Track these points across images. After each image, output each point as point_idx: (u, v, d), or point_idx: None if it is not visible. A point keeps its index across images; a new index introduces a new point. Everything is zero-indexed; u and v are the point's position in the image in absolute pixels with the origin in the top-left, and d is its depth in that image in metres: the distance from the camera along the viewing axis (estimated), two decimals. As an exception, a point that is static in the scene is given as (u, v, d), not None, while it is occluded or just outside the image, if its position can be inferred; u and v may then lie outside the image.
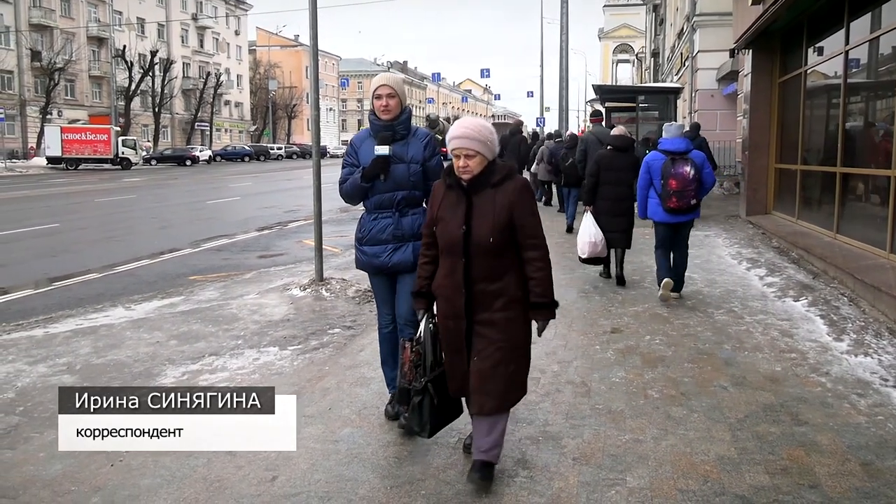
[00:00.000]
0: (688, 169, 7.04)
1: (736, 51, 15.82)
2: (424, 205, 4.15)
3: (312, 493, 3.44)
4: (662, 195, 7.13)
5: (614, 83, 59.70)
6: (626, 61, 74.55)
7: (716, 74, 21.74)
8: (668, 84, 25.26)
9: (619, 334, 6.15)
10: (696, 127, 15.51)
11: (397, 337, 4.20)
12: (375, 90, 4.07)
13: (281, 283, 8.44)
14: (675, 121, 13.71)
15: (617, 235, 8.08)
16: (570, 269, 9.14)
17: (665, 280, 7.30)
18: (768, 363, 5.32)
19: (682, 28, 26.20)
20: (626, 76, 72.65)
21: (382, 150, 4.03)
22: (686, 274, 7.67)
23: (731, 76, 19.99)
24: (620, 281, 8.19)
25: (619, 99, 20.26)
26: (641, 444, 3.93)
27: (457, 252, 3.34)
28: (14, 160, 46.45)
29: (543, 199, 16.94)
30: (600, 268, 8.66)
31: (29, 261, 10.88)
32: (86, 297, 8.24)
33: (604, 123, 13.56)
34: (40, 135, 48.25)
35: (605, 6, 78.66)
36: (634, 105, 17.94)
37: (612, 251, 8.36)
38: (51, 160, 44.96)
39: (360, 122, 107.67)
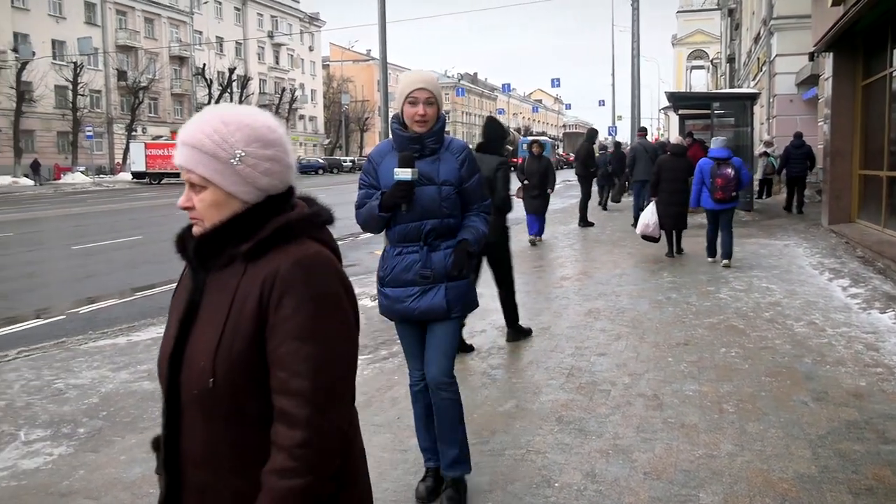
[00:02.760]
0: (729, 171, 9.45)
1: (816, 54, 15.32)
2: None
3: (380, 502, 3.46)
4: (711, 189, 9.53)
5: (688, 90, 58.56)
6: (701, 67, 72.99)
7: (795, 79, 21.07)
8: (744, 90, 24.63)
9: (693, 346, 6.01)
10: (799, 135, 17.09)
11: (429, 396, 3.47)
12: (410, 93, 3.16)
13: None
14: (752, 127, 16.01)
15: (672, 221, 10.40)
16: (642, 279, 8.99)
17: (724, 261, 9.63)
18: (852, 378, 5.10)
19: (759, 32, 25.52)
20: (700, 83, 71.12)
21: (404, 174, 3.13)
22: (765, 285, 8.15)
23: (811, 80, 19.36)
24: (678, 251, 10.68)
25: (693, 106, 19.84)
26: (716, 459, 3.82)
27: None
28: (102, 175, 48.63)
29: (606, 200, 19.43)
30: (673, 277, 8.55)
31: (115, 271, 11.34)
32: (166, 306, 8.48)
33: (655, 138, 14.24)
34: (126, 151, 50.26)
35: (678, 12, 77.29)
36: (709, 112, 17.56)
37: (671, 233, 10.57)
38: (135, 175, 46.77)
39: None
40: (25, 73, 42.81)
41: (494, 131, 6.10)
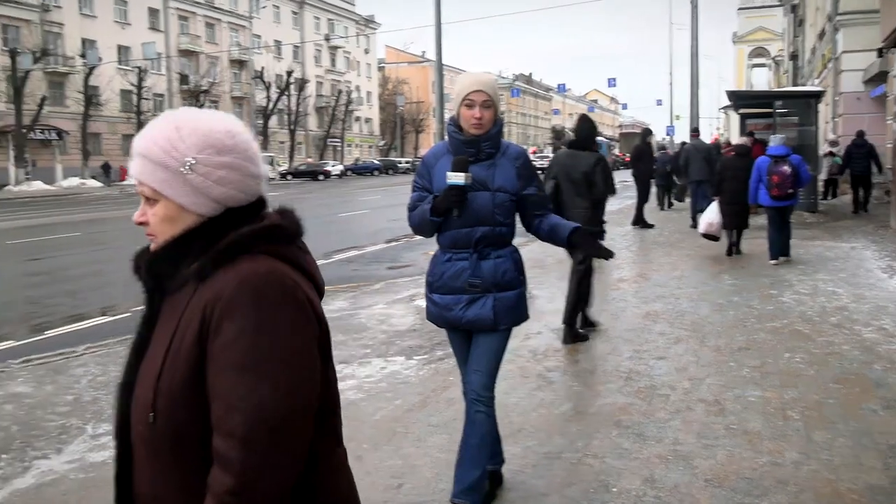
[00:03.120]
0: (786, 168, 9.48)
1: (884, 50, 14.81)
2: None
3: (436, 502, 3.46)
4: (768, 186, 9.59)
5: (749, 88, 57.30)
6: (762, 65, 71.28)
7: (862, 76, 20.38)
8: (808, 88, 23.95)
9: (756, 351, 5.85)
10: (861, 133, 16.98)
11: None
12: (467, 95, 3.10)
13: (408, 294, 8.60)
14: (817, 126, 15.91)
15: (735, 220, 10.46)
16: (702, 282, 8.82)
17: (782, 258, 9.84)
18: (925, 386, 4.91)
19: (824, 28, 24.80)
20: (761, 81, 69.48)
21: (457, 178, 3.05)
22: (831, 289, 8.04)
23: (879, 77, 18.69)
24: (736, 251, 10.64)
25: (754, 105, 19.39)
26: (780, 467, 3.71)
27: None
28: (164, 177, 49.92)
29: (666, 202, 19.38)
30: (734, 279, 8.45)
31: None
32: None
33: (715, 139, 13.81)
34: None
35: (738, 9, 75.67)
36: (771, 111, 17.15)
37: (732, 232, 10.59)
38: (196, 176, 47.84)
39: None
40: (92, 77, 44.23)
41: (587, 129, 6.32)
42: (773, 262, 9.85)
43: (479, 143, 3.13)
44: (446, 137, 3.27)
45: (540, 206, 3.27)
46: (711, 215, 10.42)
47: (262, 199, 1.46)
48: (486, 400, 3.23)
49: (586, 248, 3.27)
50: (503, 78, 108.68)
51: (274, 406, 1.25)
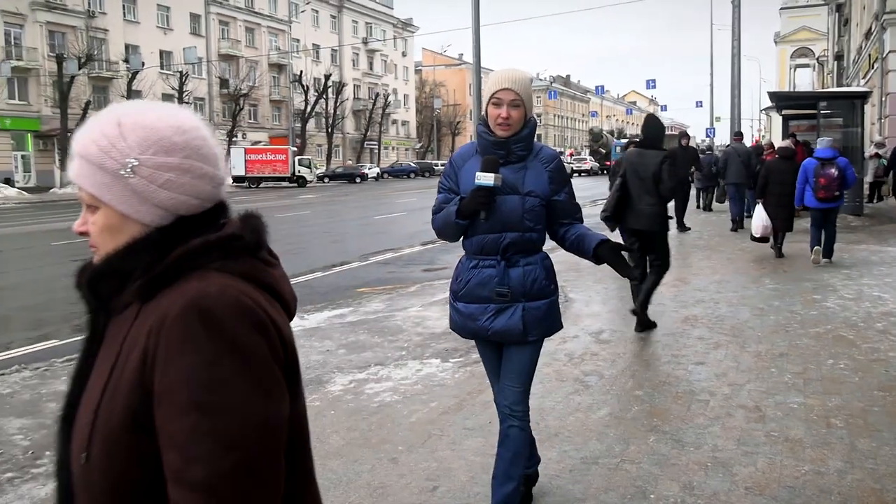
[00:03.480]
0: (833, 171, 9.63)
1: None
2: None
3: (472, 506, 3.45)
4: (814, 189, 9.75)
5: (792, 89, 56.26)
6: (806, 66, 69.92)
7: (910, 76, 19.90)
8: (853, 88, 23.45)
9: (798, 356, 5.74)
10: None
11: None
12: (494, 94, 2.93)
13: (444, 297, 8.60)
14: (863, 128, 15.80)
15: (780, 222, 10.53)
16: (742, 286, 8.67)
17: (816, 248, 9.97)
18: (975, 394, 4.76)
19: (871, 27, 24.25)
20: (804, 82, 68.13)
21: (486, 179, 2.88)
22: (876, 294, 7.87)
23: (928, 77, 18.24)
24: (779, 254, 10.67)
25: (797, 106, 19.05)
26: (823, 476, 3.63)
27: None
28: (204, 179, 50.73)
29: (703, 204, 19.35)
30: (776, 284, 8.31)
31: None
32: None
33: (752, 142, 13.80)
34: (227, 156, 52.15)
35: (781, 8, 74.33)
36: (815, 112, 16.83)
37: (777, 234, 10.65)
38: (236, 179, 48.46)
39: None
40: (135, 82, 45.11)
41: (654, 128, 6.64)
42: (824, 260, 10.02)
43: (510, 144, 2.96)
44: (476, 138, 3.13)
45: (569, 214, 3.10)
46: (763, 217, 10.47)
47: (223, 205, 1.28)
48: (519, 414, 3.08)
49: (611, 263, 3.00)
50: (540, 80, 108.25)
51: (238, 448, 1.07)
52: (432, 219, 3.14)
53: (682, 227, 14.71)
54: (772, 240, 10.76)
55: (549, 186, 3.01)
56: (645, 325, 6.59)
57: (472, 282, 3.05)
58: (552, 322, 3.12)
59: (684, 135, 17.00)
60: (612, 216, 6.54)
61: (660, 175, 6.28)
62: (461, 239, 3.12)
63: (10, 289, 10.43)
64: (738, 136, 17.13)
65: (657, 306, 7.72)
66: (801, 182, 9.98)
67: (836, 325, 6.70)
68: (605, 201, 7.10)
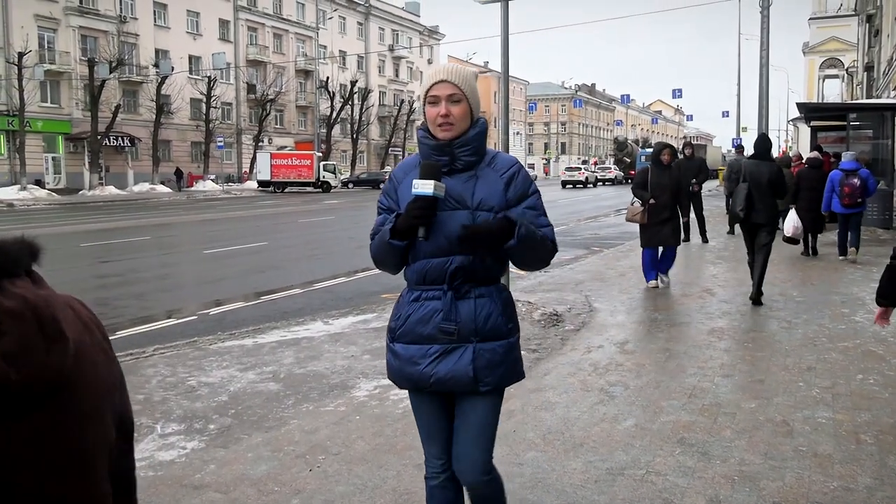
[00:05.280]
0: (855, 181, 11.27)
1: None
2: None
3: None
4: (840, 196, 11.37)
5: (820, 100, 55.72)
6: (835, 77, 69.22)
7: (942, 88, 19.65)
8: (884, 100, 23.16)
9: (827, 371, 5.68)
10: None
11: (455, 495, 2.62)
12: (429, 90, 2.44)
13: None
14: (893, 140, 15.96)
15: (811, 224, 11.60)
16: (769, 298, 8.58)
17: (851, 248, 11.51)
18: None
19: (902, 39, 23.94)
20: (833, 93, 67.45)
21: (424, 187, 2.32)
22: None
23: (961, 89, 18.01)
24: (813, 252, 12.19)
25: (826, 117, 18.87)
26: (852, 493, 3.59)
27: None
28: (230, 183, 51.22)
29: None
30: (804, 297, 8.28)
31: (241, 276, 11.87)
32: (289, 310, 8.85)
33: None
34: (253, 160, 52.62)
35: (810, 19, 73.62)
36: (844, 124, 16.66)
37: (808, 236, 11.87)
38: (261, 183, 48.87)
39: (545, 146, 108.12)
40: (164, 86, 45.71)
41: (765, 144, 8.54)
42: (841, 258, 11.57)
43: (453, 148, 2.43)
44: (418, 147, 2.58)
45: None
46: (795, 220, 10.75)
47: None
48: (486, 483, 2.57)
49: (471, 232, 2.40)
50: (566, 88, 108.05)
51: None
52: (370, 245, 2.56)
53: (704, 238, 14.62)
54: (802, 244, 11.69)
55: (504, 197, 2.44)
56: (758, 297, 8.18)
57: (412, 318, 2.48)
58: (509, 369, 2.52)
59: (688, 145, 16.94)
60: (744, 212, 8.12)
61: (776, 181, 8.06)
62: (404, 269, 2.57)
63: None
64: (739, 149, 16.37)
65: (683, 317, 7.68)
66: (829, 191, 11.58)
67: (865, 339, 6.62)
68: (730, 202, 9.84)
